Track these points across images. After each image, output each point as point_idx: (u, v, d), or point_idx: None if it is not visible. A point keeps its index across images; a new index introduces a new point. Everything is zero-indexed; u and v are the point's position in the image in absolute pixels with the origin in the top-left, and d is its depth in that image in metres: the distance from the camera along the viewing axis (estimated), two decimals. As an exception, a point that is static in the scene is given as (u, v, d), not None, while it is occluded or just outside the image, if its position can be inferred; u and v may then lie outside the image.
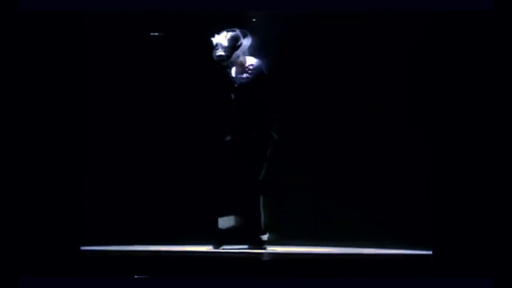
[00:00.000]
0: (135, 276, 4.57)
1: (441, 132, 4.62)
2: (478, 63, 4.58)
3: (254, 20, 6.49)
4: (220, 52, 5.91)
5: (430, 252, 4.66)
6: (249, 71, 5.95)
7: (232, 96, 5.97)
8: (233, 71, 6.01)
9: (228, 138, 5.95)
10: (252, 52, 6.02)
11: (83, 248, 5.07)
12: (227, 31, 5.95)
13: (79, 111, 4.97)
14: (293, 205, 6.89)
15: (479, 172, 4.52)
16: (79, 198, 4.96)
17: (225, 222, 5.88)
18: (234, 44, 5.92)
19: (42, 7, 4.76)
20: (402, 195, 6.79)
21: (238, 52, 5.89)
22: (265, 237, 5.88)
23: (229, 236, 5.89)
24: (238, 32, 5.95)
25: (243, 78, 5.93)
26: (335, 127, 7.00)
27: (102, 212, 6.78)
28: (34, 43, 4.78)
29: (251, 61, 5.97)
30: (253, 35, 6.01)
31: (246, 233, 5.88)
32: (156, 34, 6.98)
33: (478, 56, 4.58)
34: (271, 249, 5.84)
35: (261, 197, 5.91)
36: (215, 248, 5.85)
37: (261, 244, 5.84)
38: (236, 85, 5.94)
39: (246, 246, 5.88)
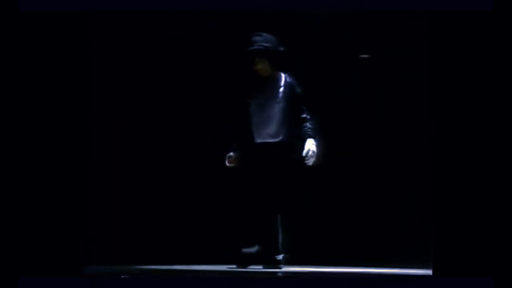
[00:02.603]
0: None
1: (441, 133, 4.62)
2: (478, 63, 4.58)
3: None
4: (264, 43, 5.79)
5: (430, 261, 4.66)
6: (284, 87, 5.84)
7: (256, 106, 5.87)
8: (260, 81, 5.89)
9: (246, 151, 5.87)
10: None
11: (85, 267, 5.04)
12: (264, 33, 5.88)
13: (80, 112, 4.97)
14: (295, 225, 6.87)
15: (478, 171, 4.52)
16: (80, 198, 4.95)
17: (249, 250, 5.82)
18: (276, 45, 5.85)
19: (42, 7, 4.76)
20: (402, 194, 6.80)
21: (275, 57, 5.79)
22: (280, 257, 5.80)
23: (252, 259, 5.80)
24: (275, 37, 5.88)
25: (279, 92, 5.83)
26: (336, 141, 6.99)
27: (104, 213, 6.78)
28: (34, 43, 4.78)
29: (283, 75, 5.87)
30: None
31: (262, 252, 5.81)
32: (164, 33, 6.95)
33: (478, 56, 4.58)
34: (286, 269, 5.78)
35: (278, 216, 5.84)
36: (239, 268, 5.77)
37: (277, 264, 5.77)
38: (266, 98, 5.84)
39: (261, 266, 5.81)
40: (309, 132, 5.81)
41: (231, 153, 5.95)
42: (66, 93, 4.85)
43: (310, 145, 5.75)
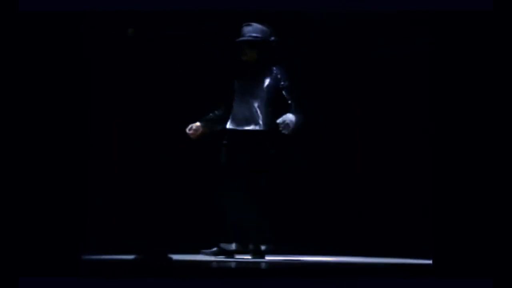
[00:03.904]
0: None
1: (441, 133, 4.61)
2: (478, 63, 4.58)
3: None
4: (253, 34, 5.78)
5: (430, 261, 4.65)
6: (270, 78, 5.82)
7: (240, 94, 5.86)
8: (246, 69, 5.88)
9: (232, 140, 5.85)
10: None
11: (84, 257, 5.03)
12: (255, 23, 5.85)
13: (80, 112, 4.97)
14: (292, 214, 6.87)
15: (478, 171, 4.52)
16: (80, 198, 4.95)
17: (227, 246, 5.82)
18: (266, 35, 5.81)
19: (42, 7, 4.75)
20: (401, 195, 6.80)
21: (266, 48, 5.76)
22: (265, 246, 5.80)
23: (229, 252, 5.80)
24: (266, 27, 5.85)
25: (264, 83, 5.82)
26: (335, 134, 6.99)
27: (104, 214, 6.78)
28: (34, 43, 4.77)
29: (272, 67, 5.85)
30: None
31: (248, 242, 5.81)
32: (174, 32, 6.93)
33: (478, 56, 4.57)
34: (272, 258, 5.78)
35: (263, 206, 5.83)
36: (210, 254, 5.77)
37: (262, 254, 5.77)
38: (251, 87, 5.83)
39: (247, 256, 5.81)
40: (291, 112, 5.73)
41: (198, 123, 5.91)
42: (66, 92, 4.85)
43: (287, 116, 5.68)
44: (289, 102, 5.75)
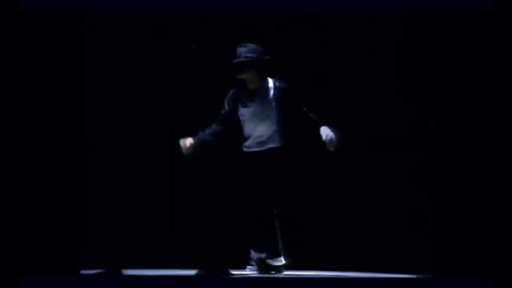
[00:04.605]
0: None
1: (441, 133, 4.62)
2: (478, 63, 4.58)
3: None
4: (247, 54, 5.83)
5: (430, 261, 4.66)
6: (275, 91, 5.84)
7: (249, 112, 5.88)
8: (250, 92, 5.90)
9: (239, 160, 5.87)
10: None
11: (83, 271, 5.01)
12: (249, 44, 5.90)
13: (80, 111, 4.97)
14: (294, 229, 6.85)
15: (478, 171, 4.52)
16: (80, 199, 4.96)
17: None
18: (260, 54, 5.86)
19: (42, 7, 4.76)
20: (401, 195, 6.79)
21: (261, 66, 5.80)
22: (275, 261, 5.79)
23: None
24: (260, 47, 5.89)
25: (271, 98, 5.83)
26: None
27: (103, 214, 6.77)
28: (34, 43, 4.78)
29: (271, 81, 5.88)
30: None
31: (259, 256, 5.81)
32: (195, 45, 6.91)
33: (478, 56, 4.58)
34: (280, 273, 5.76)
35: (275, 220, 5.83)
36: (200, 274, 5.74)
37: (271, 269, 5.75)
38: (260, 106, 5.85)
39: (256, 270, 5.80)
40: (318, 120, 5.79)
41: (191, 139, 5.92)
42: (66, 92, 4.85)
43: (327, 131, 5.72)
44: (304, 109, 5.79)
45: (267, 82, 5.89)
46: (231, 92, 5.95)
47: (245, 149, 5.90)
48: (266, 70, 5.89)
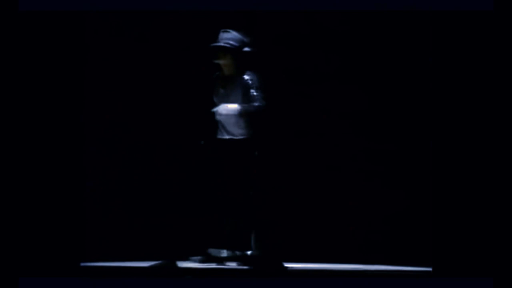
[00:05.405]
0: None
1: (441, 132, 4.62)
2: (478, 63, 4.58)
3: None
4: (229, 41, 5.82)
5: (430, 262, 4.66)
6: (242, 85, 5.84)
7: (220, 98, 5.89)
8: (223, 80, 5.91)
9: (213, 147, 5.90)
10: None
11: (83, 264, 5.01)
12: (233, 31, 5.88)
13: (80, 111, 4.97)
14: (293, 222, 6.85)
15: (478, 171, 4.52)
16: (79, 199, 4.95)
17: (216, 252, 5.81)
18: (241, 44, 5.85)
19: (42, 7, 4.76)
20: (401, 195, 6.79)
21: (240, 56, 5.81)
22: (256, 253, 5.79)
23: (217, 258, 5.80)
24: (243, 37, 5.89)
25: (239, 91, 5.84)
26: (332, 140, 6.97)
27: (103, 214, 6.77)
28: (34, 43, 4.78)
29: (249, 75, 5.87)
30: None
31: (238, 249, 5.82)
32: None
33: (478, 56, 4.57)
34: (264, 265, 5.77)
35: (258, 213, 5.85)
36: (199, 261, 5.76)
37: (252, 261, 5.77)
38: (228, 96, 5.86)
39: (237, 263, 5.81)
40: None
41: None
42: (66, 92, 4.85)
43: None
44: (254, 92, 5.78)
45: (242, 73, 5.87)
46: (214, 75, 5.97)
47: (217, 136, 5.94)
48: (246, 62, 5.87)
